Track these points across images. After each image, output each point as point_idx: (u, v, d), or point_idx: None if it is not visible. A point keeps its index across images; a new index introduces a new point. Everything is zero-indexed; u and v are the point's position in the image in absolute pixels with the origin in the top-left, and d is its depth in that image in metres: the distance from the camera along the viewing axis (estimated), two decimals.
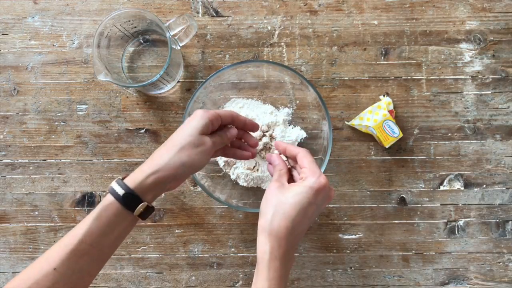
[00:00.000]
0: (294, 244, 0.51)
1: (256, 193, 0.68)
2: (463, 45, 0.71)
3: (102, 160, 0.71)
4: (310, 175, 0.52)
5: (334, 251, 0.71)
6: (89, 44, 0.72)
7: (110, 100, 0.71)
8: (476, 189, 0.71)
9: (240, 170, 0.67)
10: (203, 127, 0.52)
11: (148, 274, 0.71)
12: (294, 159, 0.55)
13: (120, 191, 0.49)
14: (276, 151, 0.60)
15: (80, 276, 0.47)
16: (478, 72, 0.71)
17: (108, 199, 0.49)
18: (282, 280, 0.50)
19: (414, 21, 0.71)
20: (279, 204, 0.51)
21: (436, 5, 0.71)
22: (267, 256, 0.50)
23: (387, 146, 0.68)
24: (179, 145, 0.51)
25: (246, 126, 0.58)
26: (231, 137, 0.57)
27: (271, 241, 0.50)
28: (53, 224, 0.71)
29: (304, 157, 0.54)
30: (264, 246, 0.50)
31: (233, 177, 0.68)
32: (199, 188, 0.71)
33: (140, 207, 0.49)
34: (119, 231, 0.50)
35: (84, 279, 0.48)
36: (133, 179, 0.50)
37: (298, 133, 0.68)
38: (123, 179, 0.50)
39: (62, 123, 0.71)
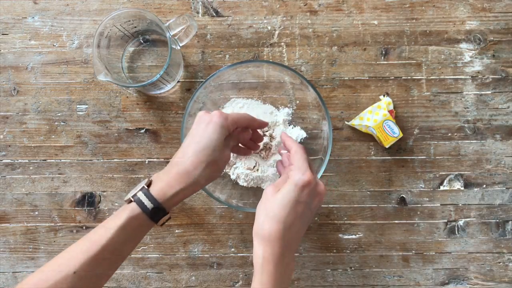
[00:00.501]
0: (290, 246, 0.50)
1: (256, 193, 0.68)
2: (463, 45, 0.71)
3: (102, 160, 0.71)
4: (295, 172, 0.51)
5: (334, 251, 0.71)
6: (89, 44, 0.72)
7: (110, 100, 0.71)
8: (476, 189, 0.71)
9: (240, 170, 0.67)
10: (223, 139, 0.53)
11: (148, 274, 0.71)
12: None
13: (149, 205, 0.50)
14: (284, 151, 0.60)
15: (97, 279, 0.49)
16: (478, 72, 0.71)
17: (135, 210, 0.49)
18: (278, 285, 0.49)
19: (414, 21, 0.71)
20: (270, 206, 0.50)
21: (436, 5, 0.71)
22: (260, 261, 0.49)
23: (387, 146, 0.68)
24: (206, 161, 0.51)
25: (260, 126, 0.59)
26: (254, 150, 0.59)
27: (264, 245, 0.49)
28: (53, 224, 0.71)
29: (295, 153, 0.53)
30: (257, 251, 0.50)
31: (233, 177, 0.68)
32: None
33: (164, 219, 0.51)
34: (139, 238, 0.52)
35: (101, 281, 0.49)
36: (162, 193, 0.50)
37: (298, 133, 0.68)
38: (148, 186, 0.51)
39: (62, 123, 0.71)
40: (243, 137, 0.58)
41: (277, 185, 0.53)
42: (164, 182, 0.51)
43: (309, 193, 0.51)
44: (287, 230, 0.49)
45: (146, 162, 0.71)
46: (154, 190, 0.50)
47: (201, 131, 0.52)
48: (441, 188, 0.71)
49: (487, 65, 0.71)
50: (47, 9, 0.72)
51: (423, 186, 0.71)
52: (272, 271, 0.49)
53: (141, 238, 0.52)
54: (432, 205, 0.71)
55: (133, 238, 0.50)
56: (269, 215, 0.50)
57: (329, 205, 0.71)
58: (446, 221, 0.71)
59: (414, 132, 0.71)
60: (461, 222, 0.71)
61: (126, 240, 0.49)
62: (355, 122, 0.70)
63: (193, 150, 0.51)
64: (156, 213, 0.50)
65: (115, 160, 0.71)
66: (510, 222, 0.71)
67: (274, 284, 0.49)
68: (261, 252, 0.49)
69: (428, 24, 0.71)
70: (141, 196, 0.50)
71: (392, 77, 0.71)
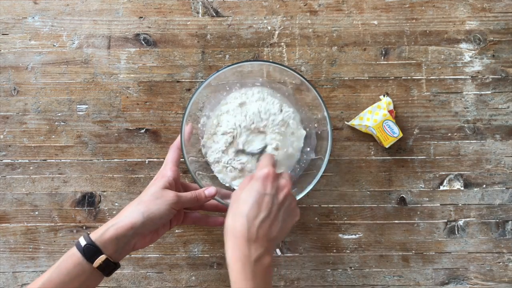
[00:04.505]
0: (257, 241, 0.48)
1: None
2: (463, 45, 0.71)
3: (102, 160, 0.71)
4: (256, 171, 0.53)
5: (334, 251, 0.71)
6: (89, 44, 0.72)
7: (110, 100, 0.72)
8: (476, 189, 0.71)
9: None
10: (165, 183, 0.55)
11: (148, 274, 0.71)
12: None
13: (83, 242, 0.51)
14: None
15: None
16: (478, 72, 0.71)
17: (71, 250, 0.51)
18: (250, 285, 0.47)
19: (414, 21, 0.71)
20: (236, 205, 0.51)
21: (436, 5, 0.71)
22: (229, 260, 0.48)
23: (387, 146, 0.68)
24: (139, 199, 0.54)
25: (206, 200, 0.59)
26: (207, 195, 0.58)
27: (230, 242, 0.49)
28: (53, 224, 0.71)
29: (261, 159, 0.56)
30: (225, 250, 0.49)
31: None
32: None
33: (99, 259, 0.50)
34: (79, 283, 0.50)
35: None
36: (96, 232, 0.52)
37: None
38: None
39: (62, 123, 0.71)
40: (207, 192, 0.59)
41: (241, 186, 0.53)
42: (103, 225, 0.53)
43: (272, 185, 0.51)
44: (251, 223, 0.48)
45: (146, 162, 0.71)
46: (93, 232, 0.52)
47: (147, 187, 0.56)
48: (441, 188, 0.71)
49: (487, 65, 0.71)
50: (47, 9, 0.72)
51: (423, 186, 0.71)
52: (240, 269, 0.47)
53: (82, 283, 0.51)
54: (432, 205, 0.71)
55: (70, 279, 0.50)
56: (233, 212, 0.50)
57: (329, 205, 0.71)
58: (446, 221, 0.71)
59: (414, 132, 0.71)
60: (461, 222, 0.71)
61: (62, 281, 0.49)
62: (355, 122, 0.70)
63: (141, 212, 0.53)
64: (89, 250, 0.50)
65: (115, 160, 0.71)
66: (510, 222, 0.71)
67: (246, 284, 0.47)
68: (227, 250, 0.49)
69: (428, 24, 0.71)
70: (81, 238, 0.52)
71: (392, 77, 0.71)
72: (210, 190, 0.58)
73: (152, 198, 0.54)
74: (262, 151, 0.64)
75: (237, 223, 0.49)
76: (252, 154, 0.64)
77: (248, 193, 0.51)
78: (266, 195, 0.50)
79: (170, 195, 0.54)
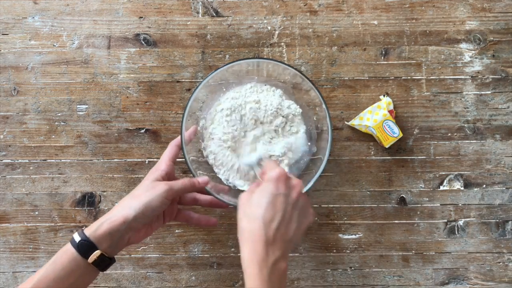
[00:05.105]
0: (275, 244, 0.48)
1: None
2: (463, 45, 0.71)
3: (102, 160, 0.71)
4: (267, 173, 0.53)
5: (334, 251, 0.71)
6: (89, 44, 0.72)
7: (110, 100, 0.72)
8: (476, 189, 0.71)
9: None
10: (157, 176, 0.56)
11: (148, 274, 0.71)
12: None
13: (77, 238, 0.51)
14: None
15: None
16: (478, 72, 0.71)
17: (66, 246, 0.51)
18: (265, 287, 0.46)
19: (414, 21, 0.71)
20: (248, 208, 0.50)
21: (436, 5, 0.71)
22: (244, 264, 0.48)
23: (387, 146, 0.68)
24: (132, 194, 0.55)
25: (199, 189, 0.59)
26: (201, 182, 0.58)
27: (246, 246, 0.48)
28: (53, 224, 0.71)
29: (267, 164, 0.56)
30: (241, 254, 0.49)
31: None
32: None
33: (94, 255, 0.51)
34: (74, 278, 0.51)
35: None
36: (90, 228, 0.52)
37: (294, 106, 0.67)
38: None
39: (62, 123, 0.71)
40: (200, 179, 0.59)
41: (251, 190, 0.53)
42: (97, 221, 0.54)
43: (285, 185, 0.51)
44: (267, 225, 0.48)
45: (146, 162, 0.71)
46: (87, 228, 0.52)
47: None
48: (441, 188, 0.71)
49: (487, 65, 0.71)
50: (47, 9, 0.72)
51: (423, 186, 0.71)
52: (257, 272, 0.47)
53: (77, 279, 0.51)
54: (432, 205, 0.71)
55: (66, 274, 0.50)
56: (247, 215, 0.50)
57: (329, 205, 0.71)
58: (446, 221, 0.71)
59: (414, 132, 0.71)
60: (461, 222, 0.71)
61: (58, 276, 0.50)
62: (355, 122, 0.70)
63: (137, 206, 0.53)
64: (83, 246, 0.51)
65: (115, 160, 0.71)
66: (510, 222, 0.71)
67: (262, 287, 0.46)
68: (244, 254, 0.48)
69: (428, 24, 0.71)
70: (75, 234, 0.52)
71: (392, 77, 0.71)
72: (203, 178, 0.58)
73: (143, 191, 0.54)
74: (259, 160, 0.64)
75: (253, 226, 0.48)
76: (250, 166, 0.64)
77: (261, 195, 0.50)
78: (279, 195, 0.50)
79: (161, 185, 0.55)
